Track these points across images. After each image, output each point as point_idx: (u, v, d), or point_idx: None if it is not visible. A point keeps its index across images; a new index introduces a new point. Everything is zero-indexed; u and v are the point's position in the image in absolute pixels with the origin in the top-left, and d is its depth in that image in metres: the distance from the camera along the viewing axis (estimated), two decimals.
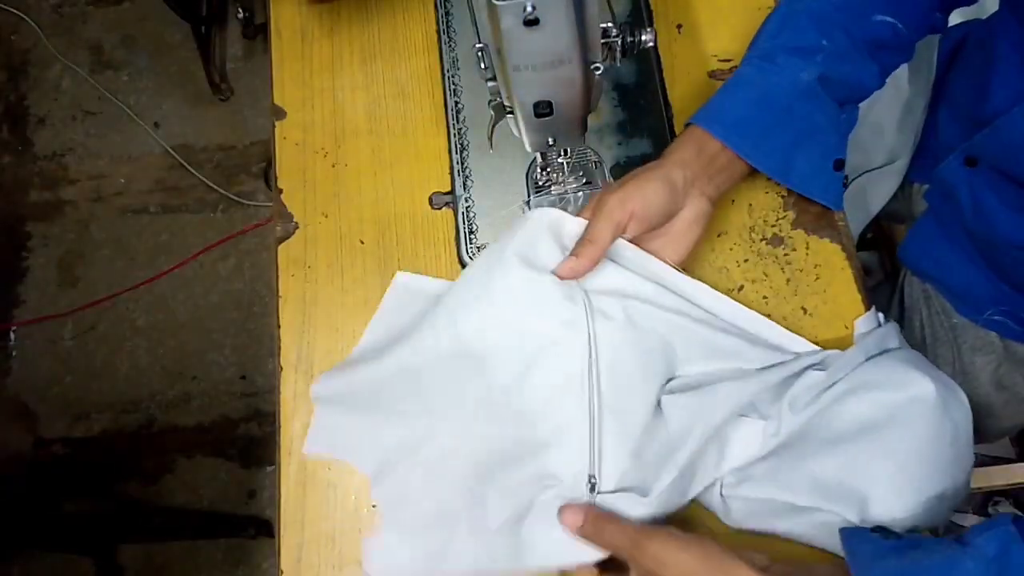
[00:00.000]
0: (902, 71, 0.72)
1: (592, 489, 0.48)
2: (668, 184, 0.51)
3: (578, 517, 0.46)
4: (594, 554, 0.47)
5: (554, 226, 0.52)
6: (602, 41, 0.43)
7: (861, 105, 0.60)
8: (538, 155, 0.58)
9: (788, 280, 0.60)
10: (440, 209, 0.64)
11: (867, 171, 0.74)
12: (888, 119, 0.73)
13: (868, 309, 0.58)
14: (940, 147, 0.68)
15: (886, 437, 0.47)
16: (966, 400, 0.48)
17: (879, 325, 0.56)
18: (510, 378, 0.50)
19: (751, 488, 0.49)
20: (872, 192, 0.73)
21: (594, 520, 0.46)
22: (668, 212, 0.52)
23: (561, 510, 0.47)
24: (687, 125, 0.56)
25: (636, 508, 0.48)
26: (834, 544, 0.46)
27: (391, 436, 0.54)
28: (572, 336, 0.49)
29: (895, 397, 0.48)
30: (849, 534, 0.44)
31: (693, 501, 0.51)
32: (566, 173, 0.62)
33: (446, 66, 0.68)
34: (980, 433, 0.69)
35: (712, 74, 0.66)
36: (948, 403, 0.47)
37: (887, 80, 0.64)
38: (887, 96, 0.72)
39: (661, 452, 0.49)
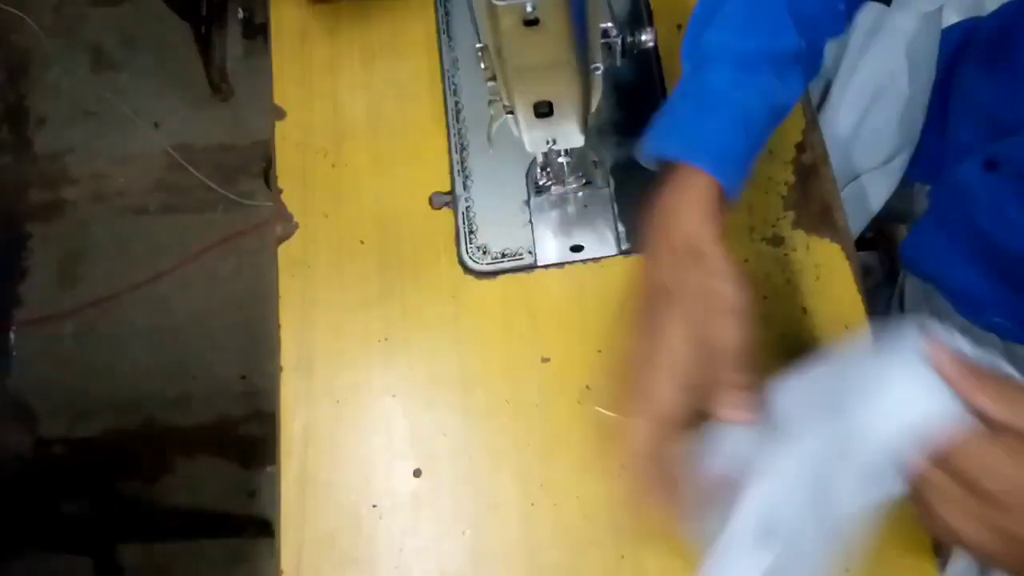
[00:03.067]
0: (901, 70, 0.71)
1: None
2: None
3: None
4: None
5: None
6: (602, 41, 0.43)
7: (861, 105, 0.60)
8: (538, 155, 0.58)
9: (788, 280, 0.60)
10: (440, 209, 0.64)
11: (867, 171, 0.74)
12: (887, 119, 0.73)
13: (868, 309, 0.58)
14: (950, 147, 0.68)
15: None
16: None
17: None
18: None
19: None
20: (872, 192, 0.73)
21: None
22: None
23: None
24: (657, 162, 0.49)
25: None
26: None
27: None
28: None
29: None
30: None
31: None
32: (566, 173, 0.62)
33: (446, 66, 0.68)
34: None
35: None
36: None
37: (888, 80, 0.64)
38: (887, 96, 0.72)
39: None
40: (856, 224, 0.71)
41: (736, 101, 0.47)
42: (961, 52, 0.71)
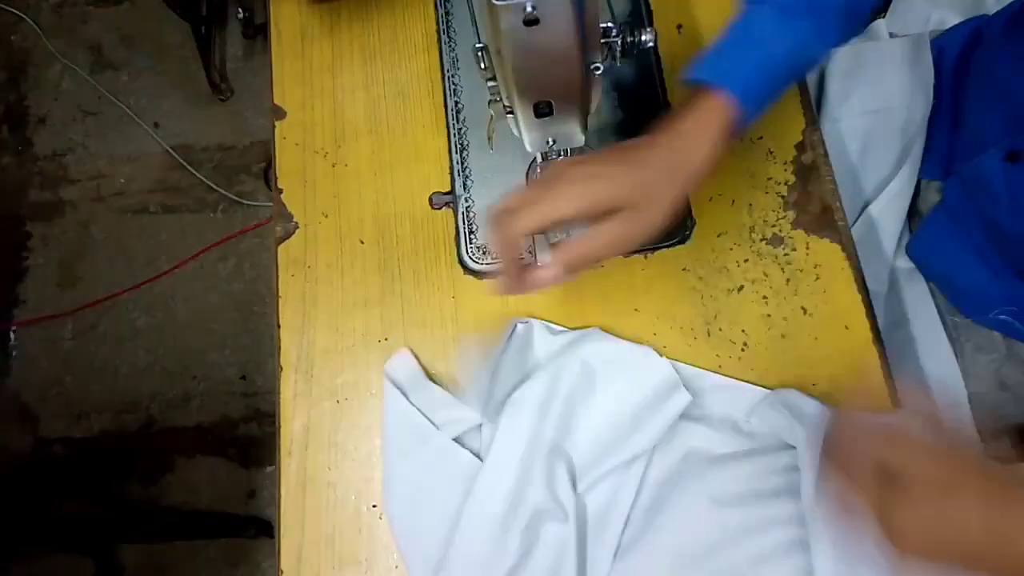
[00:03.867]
0: (898, 90, 0.72)
1: None
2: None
3: None
4: None
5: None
6: (602, 41, 0.43)
7: (862, 129, 0.61)
8: (538, 155, 0.58)
9: (788, 280, 0.60)
10: (440, 209, 0.64)
11: (873, 195, 0.73)
12: (889, 137, 0.73)
13: (868, 307, 0.58)
14: (965, 141, 0.67)
15: None
16: None
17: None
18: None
19: None
20: (883, 227, 0.72)
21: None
22: None
23: None
24: (692, 83, 0.50)
25: None
26: None
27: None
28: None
29: None
30: None
31: None
32: None
33: (446, 66, 0.68)
34: (981, 432, 0.69)
35: None
36: None
37: (879, 106, 0.67)
38: (887, 117, 0.72)
39: None
40: (874, 271, 0.70)
41: (774, 41, 0.49)
42: (972, 47, 0.70)
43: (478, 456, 0.55)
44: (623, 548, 0.53)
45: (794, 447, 0.53)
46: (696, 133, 0.47)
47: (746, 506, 0.53)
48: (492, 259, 0.62)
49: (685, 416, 0.55)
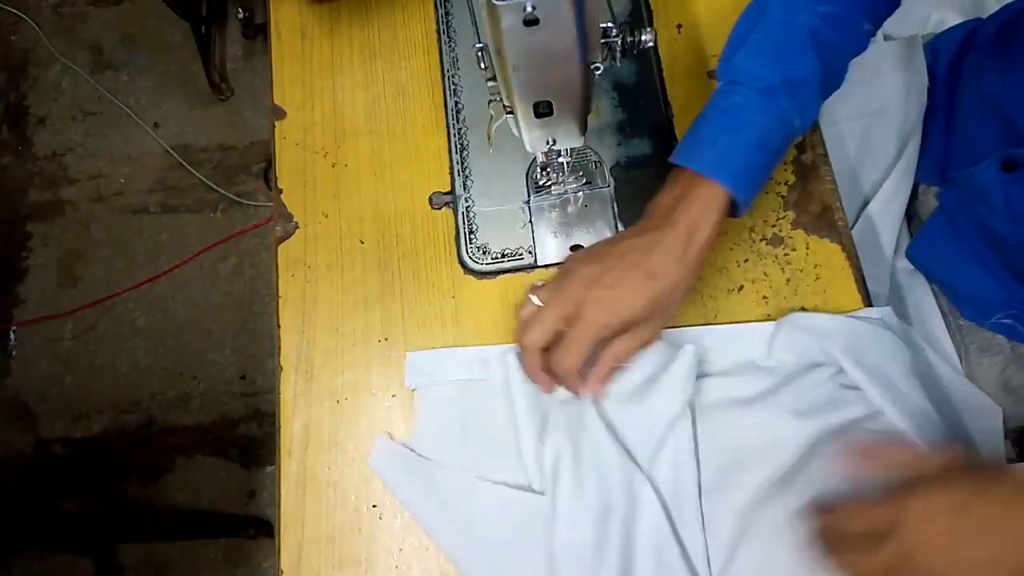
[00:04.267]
0: (893, 91, 0.72)
1: None
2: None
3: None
4: None
5: None
6: (602, 41, 0.43)
7: (858, 130, 0.61)
8: (538, 155, 0.58)
9: (788, 280, 0.60)
10: (440, 209, 0.64)
11: (872, 195, 0.73)
12: (886, 138, 0.73)
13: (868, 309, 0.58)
14: (959, 147, 0.68)
15: None
16: None
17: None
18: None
19: None
20: (883, 227, 0.73)
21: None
22: None
23: None
24: (673, 167, 0.54)
25: None
26: None
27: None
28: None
29: None
30: None
31: None
32: (566, 173, 0.62)
33: (446, 66, 0.68)
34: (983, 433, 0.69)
35: (712, 74, 0.66)
36: None
37: (879, 104, 0.67)
38: (882, 119, 0.72)
39: None
40: (875, 272, 0.70)
41: (758, 124, 0.52)
42: (965, 51, 0.70)
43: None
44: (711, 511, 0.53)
45: (822, 363, 0.55)
46: (698, 215, 0.51)
47: (820, 415, 0.54)
48: (492, 260, 0.62)
49: (701, 375, 0.56)
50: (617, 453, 0.53)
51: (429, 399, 0.58)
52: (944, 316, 0.71)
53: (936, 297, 0.72)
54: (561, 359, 0.50)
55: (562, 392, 0.54)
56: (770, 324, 0.57)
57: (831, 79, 0.55)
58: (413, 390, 0.59)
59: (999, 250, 0.64)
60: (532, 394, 0.54)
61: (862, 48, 0.57)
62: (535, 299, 0.52)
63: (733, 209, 0.53)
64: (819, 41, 0.53)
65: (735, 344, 0.58)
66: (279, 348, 0.61)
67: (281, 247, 0.64)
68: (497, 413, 0.56)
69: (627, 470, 0.52)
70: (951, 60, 0.71)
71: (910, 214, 0.74)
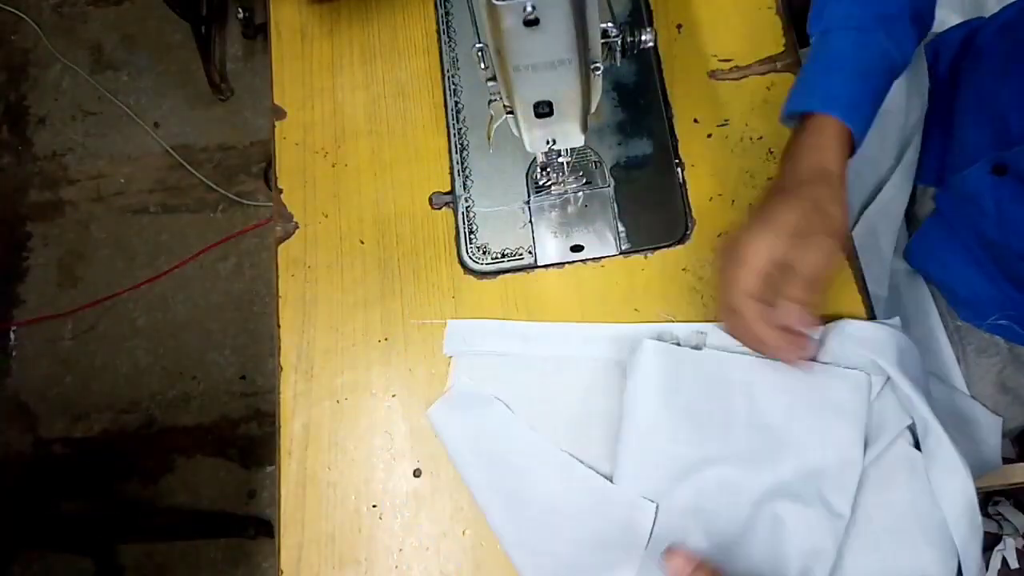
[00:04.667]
0: (897, 87, 0.72)
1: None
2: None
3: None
4: None
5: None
6: (602, 41, 0.43)
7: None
8: (538, 155, 0.58)
9: None
10: (440, 209, 0.64)
11: (870, 202, 0.73)
12: (885, 138, 0.73)
13: (868, 309, 0.58)
14: (955, 149, 0.68)
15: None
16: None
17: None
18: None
19: None
20: (883, 228, 0.73)
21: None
22: None
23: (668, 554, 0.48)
24: (793, 116, 0.55)
25: None
26: None
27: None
28: None
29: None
30: None
31: None
32: (566, 173, 0.62)
33: (446, 66, 0.68)
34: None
35: (712, 74, 0.66)
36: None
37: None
38: (884, 117, 0.72)
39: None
40: (874, 273, 0.71)
41: (858, 59, 0.54)
42: (964, 53, 0.70)
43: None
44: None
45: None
46: (820, 147, 0.52)
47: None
48: (492, 260, 0.62)
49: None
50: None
51: (463, 367, 0.59)
52: (942, 317, 0.71)
53: (934, 298, 0.72)
54: (790, 310, 0.49)
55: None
56: (819, 328, 0.56)
57: (920, 16, 0.57)
58: (450, 357, 0.59)
59: (992, 252, 0.64)
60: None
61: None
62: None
63: (851, 143, 0.54)
64: None
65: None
66: (279, 348, 0.61)
67: (281, 247, 0.64)
68: (530, 387, 0.57)
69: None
70: (951, 61, 0.71)
71: (909, 216, 0.74)
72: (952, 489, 0.50)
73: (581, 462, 0.55)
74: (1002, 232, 0.60)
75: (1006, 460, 0.80)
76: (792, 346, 0.51)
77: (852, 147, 0.54)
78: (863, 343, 0.54)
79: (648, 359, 0.54)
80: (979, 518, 0.50)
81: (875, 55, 0.54)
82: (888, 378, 0.53)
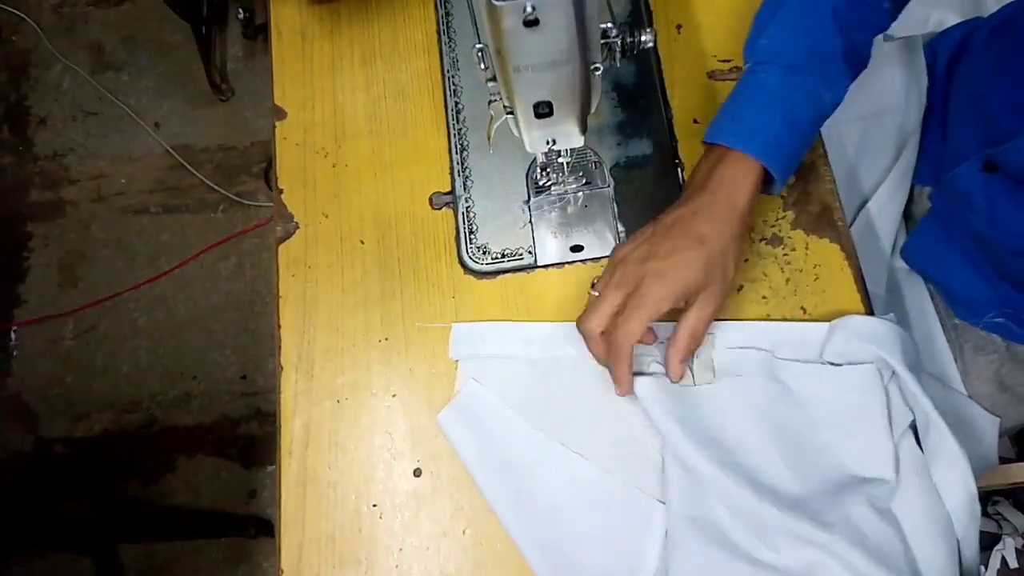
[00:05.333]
0: (894, 92, 0.72)
1: None
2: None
3: None
4: None
5: None
6: (602, 41, 0.43)
7: (859, 128, 0.61)
8: (538, 155, 0.58)
9: (788, 280, 0.60)
10: (440, 209, 0.64)
11: (871, 194, 0.73)
12: (885, 138, 0.73)
13: (868, 309, 0.58)
14: (950, 149, 0.68)
15: None
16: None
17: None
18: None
19: None
20: (881, 227, 0.73)
21: None
22: None
23: None
24: (708, 144, 0.55)
25: None
26: None
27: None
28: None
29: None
30: None
31: None
32: (566, 173, 0.62)
33: (446, 66, 0.68)
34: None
35: (712, 74, 0.66)
36: None
37: (881, 103, 0.67)
38: (883, 118, 0.73)
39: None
40: (873, 272, 0.71)
41: (785, 101, 0.53)
42: (960, 53, 0.71)
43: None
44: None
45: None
46: (732, 180, 0.52)
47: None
48: (492, 260, 0.62)
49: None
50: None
51: (469, 371, 0.59)
52: (939, 316, 0.71)
53: (932, 297, 0.72)
54: (618, 335, 0.50)
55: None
56: (823, 325, 0.57)
57: (856, 55, 0.56)
58: (456, 361, 0.59)
59: (986, 251, 0.64)
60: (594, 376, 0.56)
61: (884, 26, 0.58)
62: (594, 292, 0.53)
63: (768, 184, 0.54)
64: (841, 17, 0.54)
65: (785, 346, 0.57)
66: (279, 348, 0.61)
67: (281, 247, 0.64)
68: (535, 390, 0.58)
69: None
70: (948, 60, 0.72)
71: (907, 215, 0.74)
72: (953, 480, 0.51)
73: (589, 462, 0.55)
74: (994, 229, 0.60)
75: (1005, 460, 0.80)
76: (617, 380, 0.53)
77: (771, 181, 0.54)
78: (869, 339, 0.54)
79: (650, 394, 0.55)
80: (978, 508, 0.51)
81: (802, 97, 0.53)
82: (893, 373, 0.54)
